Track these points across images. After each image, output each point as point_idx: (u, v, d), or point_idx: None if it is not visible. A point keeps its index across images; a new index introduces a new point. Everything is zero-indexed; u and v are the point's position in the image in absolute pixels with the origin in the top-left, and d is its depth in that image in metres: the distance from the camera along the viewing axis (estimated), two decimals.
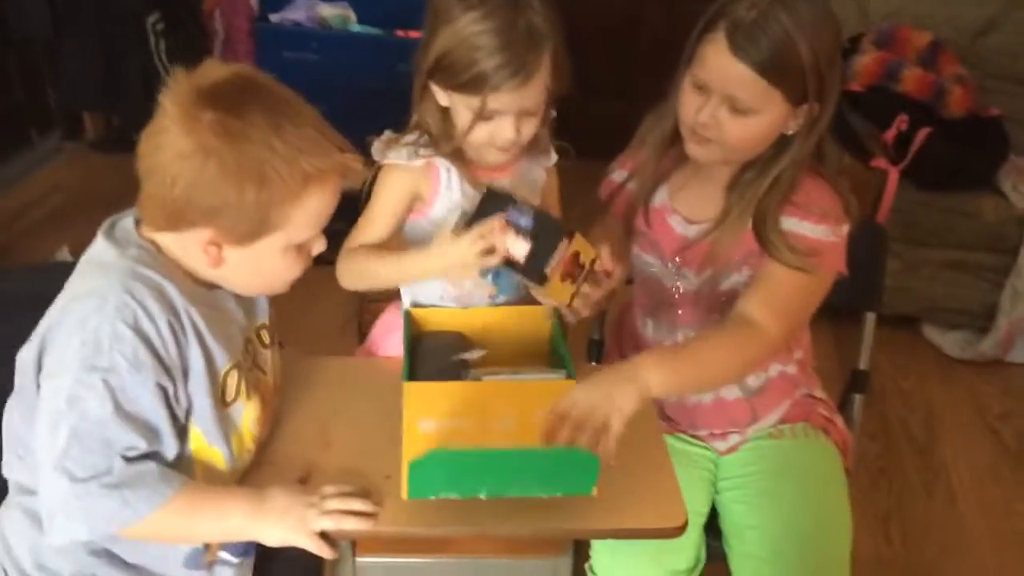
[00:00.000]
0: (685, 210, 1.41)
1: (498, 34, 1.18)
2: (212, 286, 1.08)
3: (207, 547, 1.09)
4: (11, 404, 1.06)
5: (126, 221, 1.06)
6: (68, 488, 0.93)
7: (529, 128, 1.27)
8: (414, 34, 1.27)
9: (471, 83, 1.21)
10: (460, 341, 1.26)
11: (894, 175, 2.58)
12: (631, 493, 1.11)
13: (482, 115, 1.23)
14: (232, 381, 1.06)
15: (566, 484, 1.04)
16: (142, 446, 0.97)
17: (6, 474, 1.09)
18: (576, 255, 1.23)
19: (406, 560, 1.37)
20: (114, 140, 3.66)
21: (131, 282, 0.98)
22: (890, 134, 2.61)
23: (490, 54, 1.18)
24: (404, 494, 1.03)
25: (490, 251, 1.17)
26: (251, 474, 1.12)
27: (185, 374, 1.01)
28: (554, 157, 1.40)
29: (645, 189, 1.43)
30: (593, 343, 1.66)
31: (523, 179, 1.39)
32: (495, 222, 1.16)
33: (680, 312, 1.44)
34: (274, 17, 3.18)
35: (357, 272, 1.33)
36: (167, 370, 0.98)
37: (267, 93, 1.00)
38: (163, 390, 0.98)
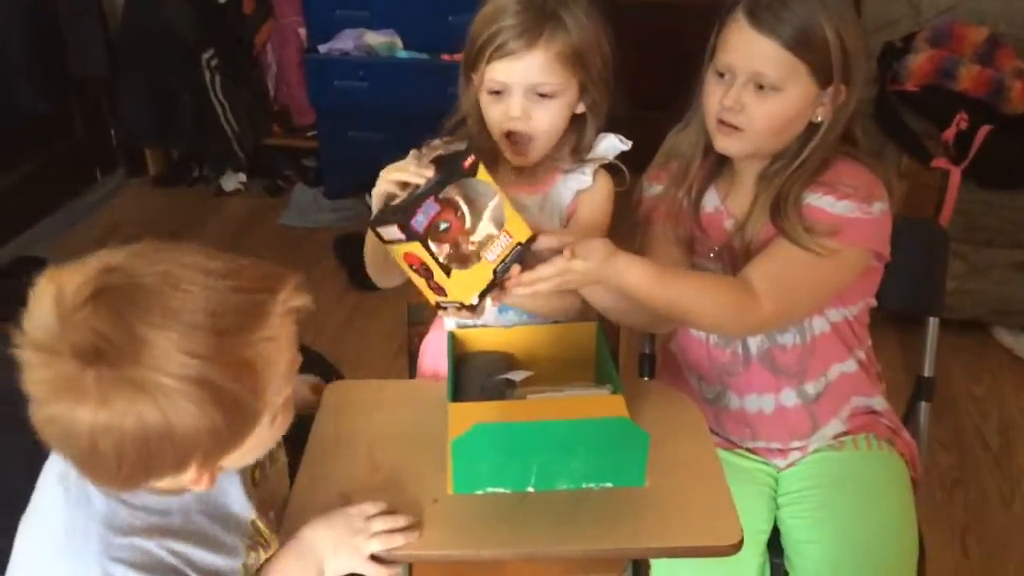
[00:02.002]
0: (737, 211, 1.38)
1: (518, 3, 1.21)
2: None
3: None
4: None
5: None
6: None
7: (542, 115, 1.25)
8: (460, 58, 1.28)
9: (482, 49, 1.22)
10: (505, 361, 1.26)
11: (956, 175, 2.50)
12: (684, 510, 1.08)
13: (488, 85, 1.23)
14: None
15: (618, 472, 1.02)
16: None
17: None
18: (421, 262, 1.11)
19: None
20: (175, 175, 3.76)
21: (109, 565, 0.84)
22: (949, 133, 2.53)
23: (504, 18, 1.20)
24: (449, 488, 1.02)
25: (398, 183, 1.16)
26: (301, 496, 1.11)
27: None
28: (589, 182, 1.34)
29: (692, 196, 1.40)
30: (644, 357, 1.63)
31: (554, 198, 1.36)
32: (419, 170, 1.14)
33: None
34: (323, 48, 3.23)
35: (382, 268, 1.30)
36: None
37: (142, 293, 0.76)
38: None
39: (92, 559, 0.83)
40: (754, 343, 1.39)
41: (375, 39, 3.15)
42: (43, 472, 0.91)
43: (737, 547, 1.04)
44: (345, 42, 3.19)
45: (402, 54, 3.18)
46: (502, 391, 1.15)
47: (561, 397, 1.12)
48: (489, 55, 1.21)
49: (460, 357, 1.27)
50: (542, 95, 1.23)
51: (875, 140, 2.80)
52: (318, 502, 1.08)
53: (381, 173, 1.18)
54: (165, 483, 0.84)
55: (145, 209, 3.60)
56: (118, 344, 0.74)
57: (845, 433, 1.42)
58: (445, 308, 1.16)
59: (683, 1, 3.51)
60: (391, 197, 1.16)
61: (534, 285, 1.15)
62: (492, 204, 1.12)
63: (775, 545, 1.38)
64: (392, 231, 1.07)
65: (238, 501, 0.97)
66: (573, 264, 1.14)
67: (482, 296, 1.12)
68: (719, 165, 1.39)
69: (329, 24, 3.24)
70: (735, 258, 1.36)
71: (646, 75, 3.53)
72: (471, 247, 1.10)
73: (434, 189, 1.08)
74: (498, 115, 1.25)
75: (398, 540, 1.02)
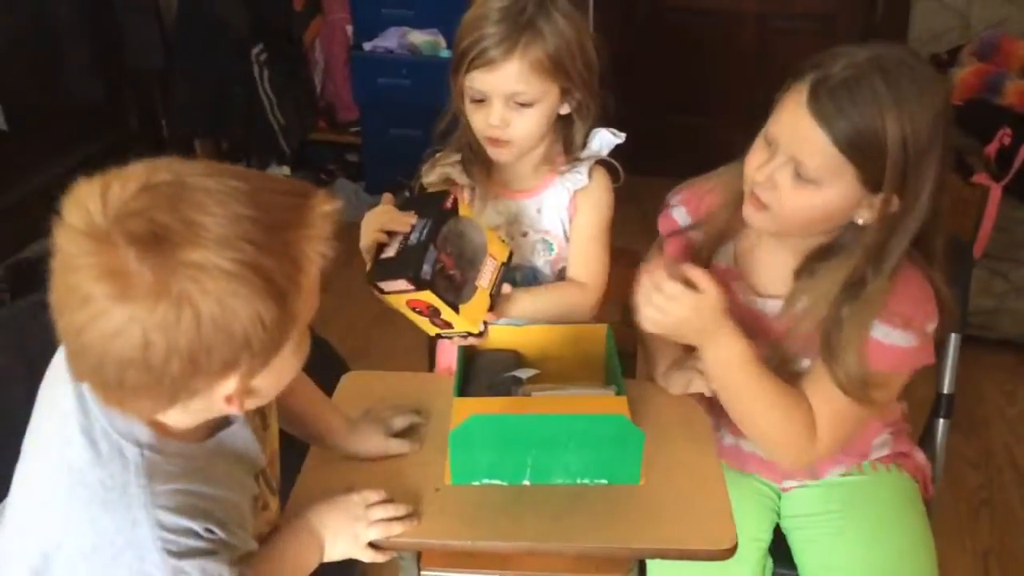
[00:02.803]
0: (752, 277, 1.30)
1: (497, 12, 1.23)
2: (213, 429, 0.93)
3: None
4: None
5: (100, 412, 0.85)
6: None
7: (522, 123, 1.28)
8: None
9: (462, 57, 1.25)
10: (514, 359, 1.28)
11: (996, 192, 2.45)
12: (680, 513, 1.09)
13: (468, 93, 1.26)
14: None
15: (612, 469, 1.04)
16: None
17: None
18: (427, 305, 1.16)
19: (470, 574, 1.38)
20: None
21: (157, 512, 0.83)
22: (991, 148, 2.50)
23: (484, 27, 1.23)
24: (447, 478, 1.04)
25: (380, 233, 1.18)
26: (309, 478, 1.16)
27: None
28: (584, 180, 1.36)
29: (710, 244, 1.33)
30: None
31: (550, 201, 1.39)
32: (395, 216, 1.17)
33: None
34: (367, 45, 3.29)
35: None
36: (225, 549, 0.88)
37: (192, 187, 0.75)
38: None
39: (138, 510, 0.82)
40: None
41: (418, 38, 3.19)
42: (53, 418, 0.88)
43: (731, 552, 1.05)
44: (389, 40, 3.24)
45: (444, 53, 3.21)
46: (508, 388, 1.17)
47: (564, 395, 1.14)
48: (468, 63, 1.24)
49: (471, 354, 1.29)
50: (521, 103, 1.27)
51: None
52: (325, 485, 1.12)
53: (363, 224, 1.20)
54: (199, 404, 0.82)
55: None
56: (176, 229, 0.72)
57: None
58: (449, 337, 1.21)
59: (730, 8, 3.52)
60: (379, 247, 1.19)
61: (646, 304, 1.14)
62: (475, 234, 1.18)
63: (781, 555, 1.39)
64: (398, 284, 1.11)
65: (252, 447, 0.97)
66: (687, 298, 1.11)
67: (485, 322, 1.18)
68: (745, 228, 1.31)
69: (375, 22, 3.30)
70: (748, 328, 1.26)
71: (691, 81, 3.54)
72: (462, 278, 1.16)
73: (430, 236, 1.12)
74: (480, 122, 1.30)
75: (396, 528, 1.05)
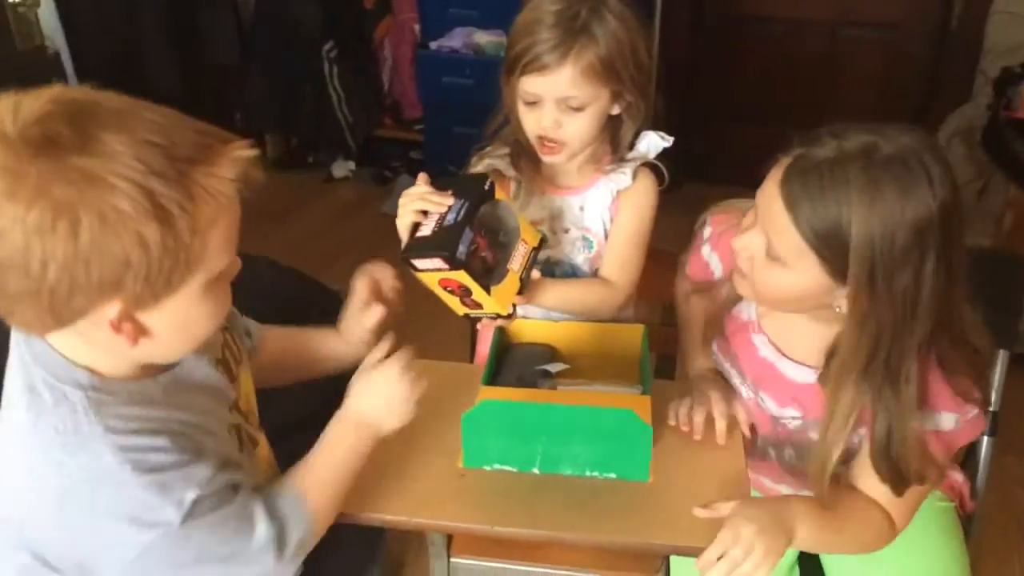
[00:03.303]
0: (773, 334, 1.26)
1: (552, 16, 1.24)
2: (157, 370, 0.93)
3: None
4: None
5: (37, 366, 0.86)
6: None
7: (574, 126, 1.30)
8: None
9: (515, 60, 1.26)
10: (547, 353, 1.30)
11: None
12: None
13: (518, 92, 1.28)
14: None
15: (621, 464, 1.05)
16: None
17: None
18: (459, 284, 1.17)
19: (499, 564, 1.40)
20: (291, 159, 3.95)
21: (111, 437, 0.84)
22: None
23: (538, 32, 1.24)
24: (461, 462, 1.07)
25: (418, 212, 1.17)
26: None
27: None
28: (628, 182, 1.38)
29: (732, 297, 1.29)
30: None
31: (594, 200, 1.40)
32: (435, 196, 1.17)
33: (758, 424, 1.29)
34: (433, 45, 3.35)
35: None
36: (204, 456, 0.90)
37: (105, 109, 0.77)
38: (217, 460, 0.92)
39: (96, 443, 0.83)
40: (774, 452, 1.32)
41: (483, 38, 3.24)
42: (5, 392, 0.90)
43: None
44: (455, 40, 3.29)
45: None
46: (536, 380, 1.19)
47: (588, 391, 1.16)
48: (522, 67, 1.26)
49: (506, 346, 1.32)
50: (573, 107, 1.28)
51: (984, 168, 2.71)
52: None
53: (400, 202, 1.20)
54: (93, 332, 0.82)
55: (261, 190, 3.79)
56: (71, 138, 0.73)
57: None
58: (478, 318, 1.23)
59: (799, 16, 3.48)
60: (415, 226, 1.20)
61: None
62: (509, 219, 1.19)
63: (809, 566, 1.38)
64: (432, 262, 1.13)
65: (215, 379, 0.99)
66: (742, 532, 1.03)
67: (514, 305, 1.19)
68: None
69: (442, 22, 3.36)
70: (768, 386, 1.26)
71: (757, 90, 3.51)
72: (494, 260, 1.17)
73: (467, 217, 1.14)
74: (532, 124, 1.31)
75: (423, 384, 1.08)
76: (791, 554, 1.36)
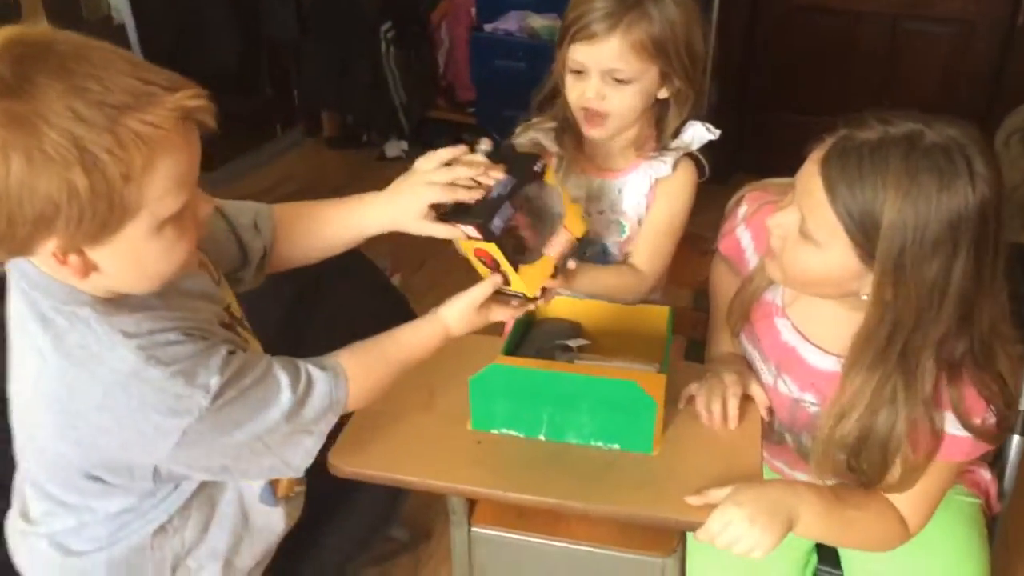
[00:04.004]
0: (797, 320, 1.26)
1: None
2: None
3: (276, 485, 1.17)
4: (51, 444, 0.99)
5: (40, 295, 0.91)
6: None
7: (619, 100, 1.30)
8: None
9: (567, 29, 1.28)
10: (572, 329, 1.32)
11: None
12: (708, 487, 1.11)
13: (568, 64, 1.28)
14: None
15: (625, 435, 1.07)
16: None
17: (33, 501, 1.09)
18: (491, 257, 1.16)
19: (519, 536, 1.42)
20: (346, 137, 4.01)
21: (129, 341, 0.90)
22: None
23: (593, 2, 1.25)
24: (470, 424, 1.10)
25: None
26: (359, 421, 1.22)
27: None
28: (668, 171, 1.38)
29: (761, 284, 1.29)
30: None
31: (632, 184, 1.40)
32: (489, 170, 1.13)
33: (776, 408, 1.29)
34: (488, 27, 3.37)
35: None
36: (218, 342, 0.96)
37: (53, 53, 0.80)
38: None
39: (118, 347, 0.89)
40: (791, 438, 1.32)
41: (538, 22, 3.24)
42: (15, 333, 0.96)
43: None
44: (510, 23, 3.30)
45: None
46: (555, 353, 1.21)
47: (603, 366, 1.17)
48: (572, 35, 1.27)
49: (531, 321, 1.34)
50: (618, 80, 1.28)
51: None
52: (375, 427, 1.20)
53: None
54: (48, 262, 0.86)
55: (314, 166, 3.87)
56: (8, 82, 0.77)
57: None
58: (506, 297, 1.22)
59: (863, 8, 3.41)
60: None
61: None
62: (555, 203, 1.19)
63: (827, 553, 1.38)
64: (468, 229, 1.14)
65: (208, 287, 1.05)
66: (740, 511, 1.07)
67: (543, 289, 1.20)
68: None
69: (498, 4, 3.38)
70: (790, 368, 1.26)
71: (818, 81, 3.46)
72: (531, 241, 1.18)
73: (509, 193, 1.14)
74: (576, 94, 1.32)
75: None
76: (807, 542, 1.36)
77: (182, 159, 0.85)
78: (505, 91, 3.42)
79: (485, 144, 1.20)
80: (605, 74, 1.28)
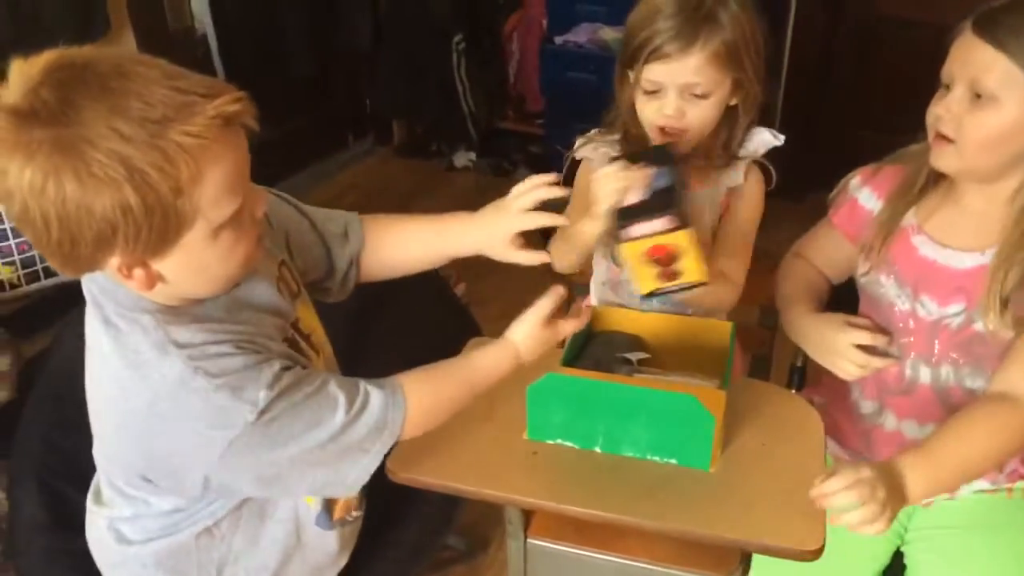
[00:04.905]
0: (933, 231, 1.31)
1: (674, 4, 1.23)
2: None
3: (332, 508, 1.18)
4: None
5: (107, 300, 0.96)
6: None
7: (695, 113, 1.28)
8: None
9: (638, 50, 1.26)
10: (632, 342, 1.30)
11: None
12: (770, 508, 1.09)
13: (643, 84, 1.27)
14: None
15: (682, 451, 1.05)
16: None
17: (103, 485, 1.13)
18: (669, 251, 1.16)
19: (576, 550, 1.41)
20: (416, 146, 4.06)
21: (180, 351, 0.92)
22: None
23: (661, 20, 1.23)
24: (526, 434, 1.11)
25: (622, 189, 1.16)
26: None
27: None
28: (740, 180, 1.37)
29: (896, 211, 1.34)
30: (794, 369, 1.61)
31: (696, 196, 1.38)
32: (637, 171, 1.16)
33: (913, 339, 1.32)
34: (559, 39, 3.37)
35: (557, 249, 1.36)
36: (272, 357, 0.97)
37: (93, 74, 0.82)
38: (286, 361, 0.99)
39: (168, 357, 0.91)
40: (929, 372, 1.32)
41: (609, 34, 3.24)
42: (88, 341, 1.00)
43: (816, 554, 1.04)
44: (580, 35, 3.30)
45: None
46: (614, 366, 1.20)
47: (663, 380, 1.15)
48: (646, 56, 1.25)
49: (593, 332, 1.33)
50: (696, 95, 1.27)
51: None
52: (433, 434, 1.17)
53: (598, 185, 1.17)
54: (114, 269, 0.88)
55: (384, 175, 3.93)
56: (52, 108, 0.79)
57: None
58: (663, 293, 1.22)
59: (946, 22, 3.31)
60: (618, 204, 1.19)
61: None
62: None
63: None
64: (653, 225, 1.13)
65: (277, 300, 1.05)
66: (854, 493, 1.06)
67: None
68: (927, 189, 1.33)
69: (569, 16, 3.38)
70: (930, 285, 1.29)
71: (896, 97, 3.36)
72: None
73: (673, 183, 1.15)
74: (652, 112, 1.30)
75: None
76: (880, 563, 1.33)
77: (229, 164, 0.86)
78: (574, 103, 3.43)
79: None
80: (683, 90, 1.26)
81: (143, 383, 0.93)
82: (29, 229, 0.84)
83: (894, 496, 1.08)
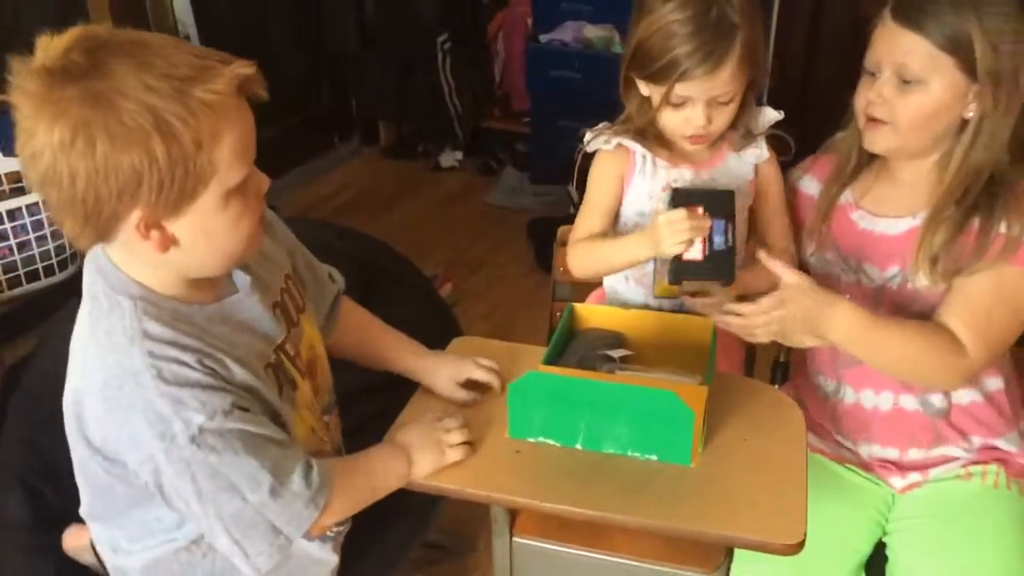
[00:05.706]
0: (869, 205, 1.38)
1: (690, 22, 1.21)
2: (205, 301, 1.02)
3: None
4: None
5: (100, 278, 0.98)
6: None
7: (721, 118, 1.29)
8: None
9: (662, 71, 1.24)
10: (615, 339, 1.31)
11: None
12: (752, 504, 1.10)
13: (670, 100, 1.27)
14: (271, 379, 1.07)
15: (663, 446, 1.06)
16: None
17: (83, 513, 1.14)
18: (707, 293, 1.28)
19: (561, 548, 1.42)
20: (402, 147, 4.06)
21: (146, 343, 0.93)
22: None
23: (682, 42, 1.22)
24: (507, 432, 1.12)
25: (688, 242, 1.21)
26: (406, 419, 1.25)
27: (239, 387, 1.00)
28: (765, 153, 1.39)
29: (831, 193, 1.41)
30: (777, 364, 1.62)
31: (727, 174, 1.40)
32: (702, 222, 1.21)
33: (860, 303, 1.33)
34: (544, 38, 3.38)
35: (586, 258, 1.39)
36: (229, 389, 0.97)
37: (118, 42, 0.87)
38: (244, 400, 0.98)
39: (135, 345, 0.93)
40: None
41: (593, 32, 3.24)
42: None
43: (797, 548, 1.04)
44: (565, 33, 3.31)
45: (618, 48, 3.25)
46: (596, 363, 1.20)
47: (645, 377, 1.16)
48: (677, 77, 1.23)
49: (575, 330, 1.33)
50: (723, 103, 1.28)
51: None
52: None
53: (666, 231, 1.21)
54: (128, 239, 0.91)
55: (371, 175, 3.92)
56: (85, 66, 0.84)
57: (973, 463, 1.36)
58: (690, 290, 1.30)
59: None
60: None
61: (736, 322, 1.23)
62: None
63: (877, 570, 1.35)
64: (706, 285, 1.26)
65: (264, 321, 1.06)
66: (782, 312, 1.20)
67: None
68: (860, 169, 1.40)
69: (554, 15, 3.38)
70: (870, 254, 1.36)
71: None
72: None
73: (733, 239, 1.23)
74: (679, 123, 1.30)
75: (466, 452, 1.17)
76: (856, 556, 1.34)
77: (242, 130, 0.91)
78: (560, 101, 3.45)
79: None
80: (711, 100, 1.27)
81: (99, 364, 0.95)
82: (54, 189, 0.86)
83: (798, 335, 1.21)
